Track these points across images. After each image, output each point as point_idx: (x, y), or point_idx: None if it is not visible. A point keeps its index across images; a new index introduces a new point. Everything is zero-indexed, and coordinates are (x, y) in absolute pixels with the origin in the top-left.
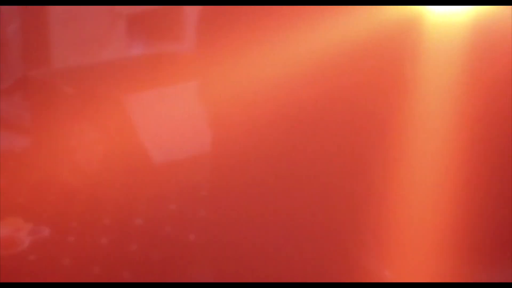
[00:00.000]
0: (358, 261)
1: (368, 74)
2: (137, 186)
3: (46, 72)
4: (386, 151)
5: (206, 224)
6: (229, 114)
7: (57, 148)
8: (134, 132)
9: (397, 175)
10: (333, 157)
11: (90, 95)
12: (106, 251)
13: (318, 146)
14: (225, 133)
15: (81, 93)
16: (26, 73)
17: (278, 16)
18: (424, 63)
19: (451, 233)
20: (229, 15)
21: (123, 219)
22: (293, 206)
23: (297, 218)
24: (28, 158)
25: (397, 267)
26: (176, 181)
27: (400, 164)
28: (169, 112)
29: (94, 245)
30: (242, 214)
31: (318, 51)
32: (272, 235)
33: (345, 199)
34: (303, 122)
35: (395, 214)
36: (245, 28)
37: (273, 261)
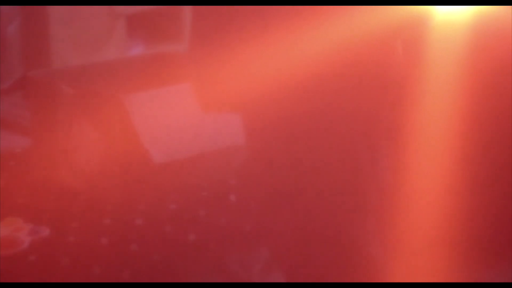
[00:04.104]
0: (366, 259)
1: (369, 74)
2: (137, 186)
3: (46, 72)
4: (388, 150)
5: (206, 224)
6: (230, 114)
7: (57, 148)
8: (134, 132)
9: (399, 174)
10: (335, 158)
11: (90, 95)
12: (106, 251)
13: (320, 146)
14: (225, 133)
15: (81, 93)
16: (26, 73)
17: (278, 16)
18: (425, 63)
19: (452, 233)
20: (228, 15)
21: (123, 219)
22: (296, 206)
23: (302, 218)
24: (28, 158)
25: (398, 267)
26: (176, 181)
27: (402, 164)
28: (169, 112)
29: (94, 245)
30: (245, 214)
31: (319, 51)
32: (274, 235)
33: (348, 199)
34: (306, 123)
35: (395, 214)
36: (245, 28)
37: (276, 260)
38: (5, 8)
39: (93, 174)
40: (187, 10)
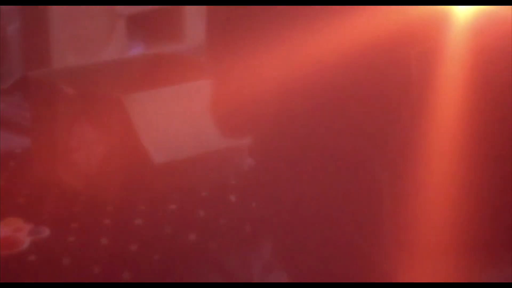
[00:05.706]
0: (366, 260)
1: (372, 75)
2: (137, 186)
3: (46, 72)
4: (391, 150)
5: (206, 224)
6: (230, 114)
7: (57, 148)
8: (134, 132)
9: (403, 174)
10: (340, 158)
11: (90, 95)
12: (106, 251)
13: (324, 146)
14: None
15: (81, 93)
16: (26, 73)
17: (281, 16)
18: (425, 64)
19: (452, 233)
20: (233, 15)
21: (123, 219)
22: (300, 206)
23: (304, 218)
24: (28, 158)
25: (399, 267)
26: (176, 181)
27: (406, 164)
28: (169, 112)
29: (94, 245)
30: (245, 214)
31: (322, 52)
32: (274, 235)
33: (351, 198)
34: (308, 124)
35: (397, 214)
36: (246, 28)
37: (276, 260)
38: (5, 8)
39: (93, 174)
40: (187, 10)
